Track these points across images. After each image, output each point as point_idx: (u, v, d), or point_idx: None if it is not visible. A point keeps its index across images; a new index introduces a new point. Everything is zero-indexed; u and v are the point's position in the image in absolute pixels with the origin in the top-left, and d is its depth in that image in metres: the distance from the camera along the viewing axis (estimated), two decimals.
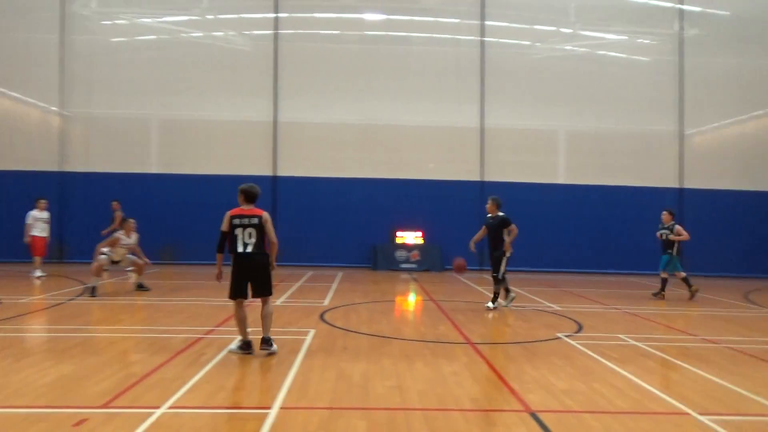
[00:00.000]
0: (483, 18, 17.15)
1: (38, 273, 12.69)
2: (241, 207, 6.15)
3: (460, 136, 17.07)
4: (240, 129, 16.91)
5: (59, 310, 8.65)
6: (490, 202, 9.68)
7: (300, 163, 16.94)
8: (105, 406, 4.32)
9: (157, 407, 4.28)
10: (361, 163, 17.02)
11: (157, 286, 11.22)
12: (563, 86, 17.28)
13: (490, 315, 9.02)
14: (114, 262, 10.54)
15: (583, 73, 17.38)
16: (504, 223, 9.41)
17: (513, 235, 9.36)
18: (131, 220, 10.75)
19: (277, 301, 9.85)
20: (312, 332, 7.17)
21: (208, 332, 7.07)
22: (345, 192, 16.81)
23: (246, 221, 6.00)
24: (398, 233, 16.47)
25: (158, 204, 16.10)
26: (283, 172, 16.92)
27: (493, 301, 9.44)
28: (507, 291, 9.69)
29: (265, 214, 6.13)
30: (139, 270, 10.76)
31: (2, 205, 14.20)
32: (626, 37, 17.85)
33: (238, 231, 5.96)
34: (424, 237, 16.64)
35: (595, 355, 6.30)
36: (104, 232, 13.99)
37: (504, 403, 4.63)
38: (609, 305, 10.40)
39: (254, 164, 16.77)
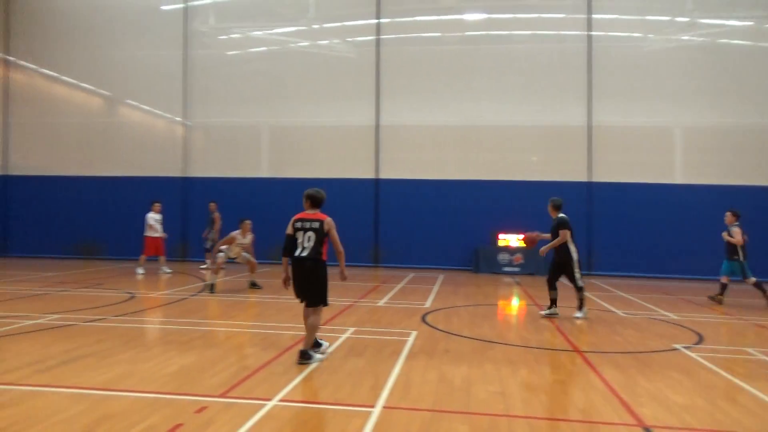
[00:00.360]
0: (590, 11, 16.39)
1: (141, 271, 13.88)
2: (306, 211, 6.07)
3: (565, 135, 16.43)
4: (343, 133, 17.44)
5: (182, 305, 9.39)
6: (549, 204, 9.19)
7: (401, 165, 17.15)
8: (222, 395, 4.63)
9: (269, 399, 4.52)
10: (463, 164, 16.90)
11: (268, 285, 11.83)
12: (679, 80, 16.07)
13: (595, 324, 8.60)
14: (230, 260, 11.26)
15: (702, 64, 16.06)
16: (558, 226, 8.83)
17: (558, 240, 8.70)
18: (248, 221, 11.36)
19: (379, 302, 10.04)
20: (414, 334, 7.23)
21: None
22: (446, 194, 16.78)
23: (308, 225, 5.91)
24: (501, 236, 16.15)
25: (268, 206, 16.96)
26: (384, 174, 17.21)
27: (579, 308, 8.87)
28: (553, 301, 8.94)
29: (329, 220, 6.00)
30: (252, 268, 11.40)
31: (135, 207, 15.66)
32: (752, 23, 16.26)
33: (299, 234, 5.88)
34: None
35: (718, 369, 5.81)
36: (205, 234, 15.10)
37: (614, 416, 4.41)
38: (734, 315, 9.54)
39: (357, 167, 17.24)
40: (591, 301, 10.85)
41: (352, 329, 7.45)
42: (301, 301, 5.91)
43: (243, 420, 4.08)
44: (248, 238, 11.32)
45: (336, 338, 6.85)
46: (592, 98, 16.29)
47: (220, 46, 18.44)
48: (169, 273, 13.89)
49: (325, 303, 5.94)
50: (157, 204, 14.25)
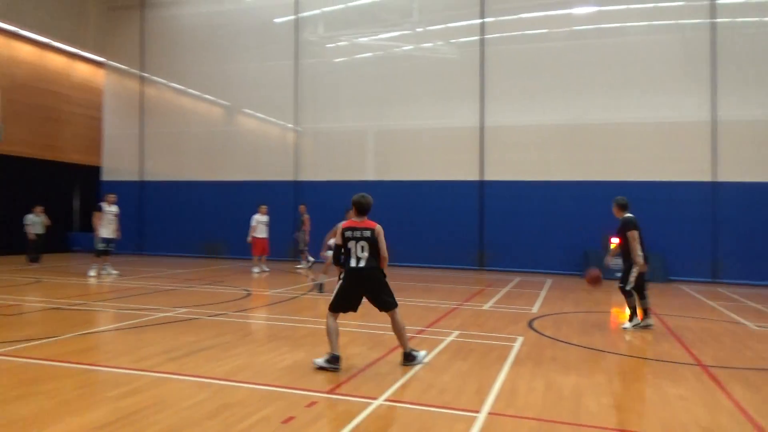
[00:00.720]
0: None
1: (257, 270, 14.75)
2: (353, 219, 5.94)
3: (686, 131, 15.22)
4: (447, 135, 17.40)
5: (294, 303, 9.87)
6: (613, 204, 8.45)
7: (506, 167, 16.80)
8: (331, 392, 4.82)
9: (375, 398, 4.64)
10: (571, 164, 16.22)
11: None
12: None
13: (722, 336, 7.89)
14: None
15: None
16: (624, 227, 8.10)
17: (632, 243, 7.92)
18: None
19: (484, 305, 9.92)
20: (520, 340, 7.08)
21: (419, 332, 7.42)
22: (554, 195, 16.19)
23: (358, 234, 5.75)
24: (613, 239, 15.28)
25: (374, 209, 17.36)
26: (489, 176, 16.95)
27: (630, 319, 8.12)
28: (645, 312, 8.11)
29: (378, 227, 5.85)
30: None
31: (252, 209, 16.66)
32: None
33: (351, 244, 5.72)
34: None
35: None
36: (295, 235, 15.96)
37: None
38: None
39: (461, 169, 17.14)
40: (715, 311, 10.00)
41: (456, 332, 7.43)
42: (338, 311, 5.71)
43: (350, 417, 4.22)
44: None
45: (440, 341, 6.87)
46: (717, 90, 14.98)
47: (328, 54, 19.13)
48: (267, 272, 14.79)
49: (396, 304, 5.79)
50: (263, 206, 15.14)
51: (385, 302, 5.72)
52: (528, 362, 5.98)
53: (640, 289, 8.06)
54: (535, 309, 9.69)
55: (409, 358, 5.72)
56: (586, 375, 5.58)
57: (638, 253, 7.93)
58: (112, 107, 21.99)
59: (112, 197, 14.00)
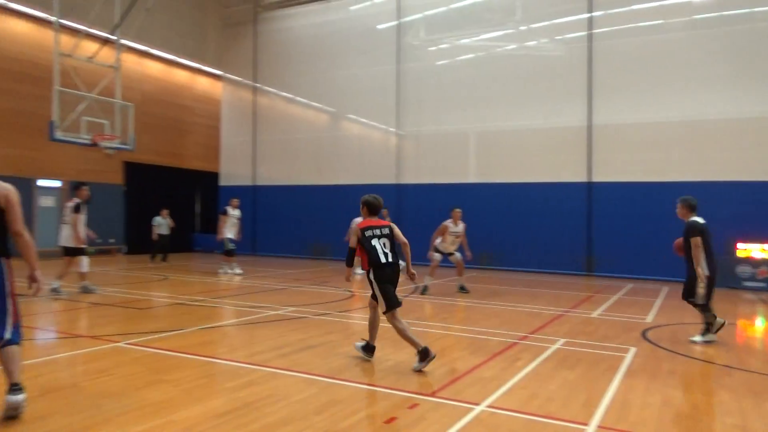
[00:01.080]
0: None
1: (360, 270, 14.98)
2: (368, 219, 6.13)
3: None
4: (552, 135, 16.81)
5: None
6: (679, 204, 7.55)
7: (617, 167, 15.92)
8: (432, 394, 4.84)
9: (477, 404, 4.60)
10: (689, 164, 15.03)
11: (476, 290, 11.98)
12: None
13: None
14: (447, 254, 11.47)
15: None
16: (687, 232, 7.21)
17: (694, 251, 7.06)
18: (458, 210, 11.40)
19: (593, 313, 9.49)
20: (632, 350, 6.69)
21: (523, 338, 7.25)
22: (670, 197, 14.94)
23: (379, 232, 5.97)
24: (740, 245, 14.01)
25: (476, 212, 17.17)
26: (598, 177, 16.16)
27: (703, 333, 7.21)
28: (709, 325, 7.27)
29: (393, 224, 6.20)
30: (460, 271, 11.60)
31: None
32: None
33: (375, 242, 5.87)
34: None
35: None
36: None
37: None
38: None
39: (567, 170, 16.49)
40: None
41: (562, 340, 7.17)
42: (395, 308, 5.80)
43: (452, 421, 4.22)
44: (460, 227, 11.37)
45: (545, 348, 6.67)
46: None
47: (429, 57, 19.22)
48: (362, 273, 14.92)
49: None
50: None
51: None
52: (642, 375, 5.64)
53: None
54: (649, 318, 9.10)
55: (425, 355, 5.53)
56: (709, 392, 5.17)
57: (701, 264, 7.09)
58: (229, 117, 23.56)
59: (235, 201, 15.00)
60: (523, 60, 17.52)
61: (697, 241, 7.11)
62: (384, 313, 5.85)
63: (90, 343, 6.62)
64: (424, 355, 5.54)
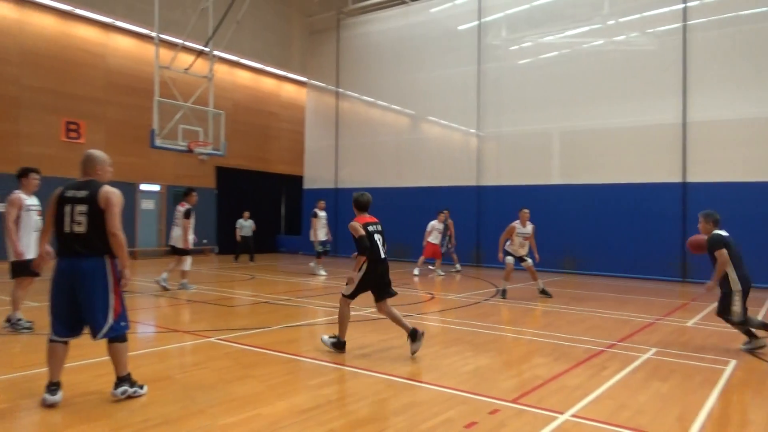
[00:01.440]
0: None
1: (417, 271, 15.20)
2: (363, 215, 6.39)
3: None
4: (643, 134, 15.94)
5: (476, 309, 9.90)
6: (701, 219, 7.14)
7: (714, 166, 14.83)
8: (514, 401, 4.75)
9: (560, 413, 4.46)
10: None
11: (559, 295, 11.60)
12: None
13: None
14: (519, 259, 11.20)
15: None
16: (711, 246, 6.82)
17: (719, 266, 6.70)
18: (526, 210, 11.10)
19: (689, 321, 8.93)
20: (732, 363, 6.22)
21: (610, 346, 6.94)
22: None
23: (378, 228, 6.34)
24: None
25: (560, 214, 16.65)
26: (694, 177, 15.16)
27: (747, 342, 6.75)
28: (750, 333, 6.81)
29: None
30: (533, 275, 11.19)
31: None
32: None
33: (377, 237, 6.19)
34: None
35: None
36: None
37: None
38: None
39: (660, 170, 15.58)
40: None
41: (653, 350, 6.80)
42: (355, 298, 6.28)
43: (534, 429, 4.12)
44: (528, 228, 11.08)
45: (634, 358, 6.35)
46: None
47: (511, 56, 18.85)
48: (441, 275, 15.08)
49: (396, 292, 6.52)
50: (442, 213, 15.58)
51: (392, 290, 6.43)
52: (744, 390, 5.25)
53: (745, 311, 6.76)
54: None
55: (414, 336, 6.12)
56: None
57: (729, 277, 6.73)
58: (313, 122, 24.26)
59: (322, 203, 15.52)
60: (612, 56, 16.76)
61: (723, 253, 6.74)
62: (343, 295, 6.32)
63: (184, 338, 7.05)
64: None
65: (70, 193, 4.47)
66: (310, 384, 5.21)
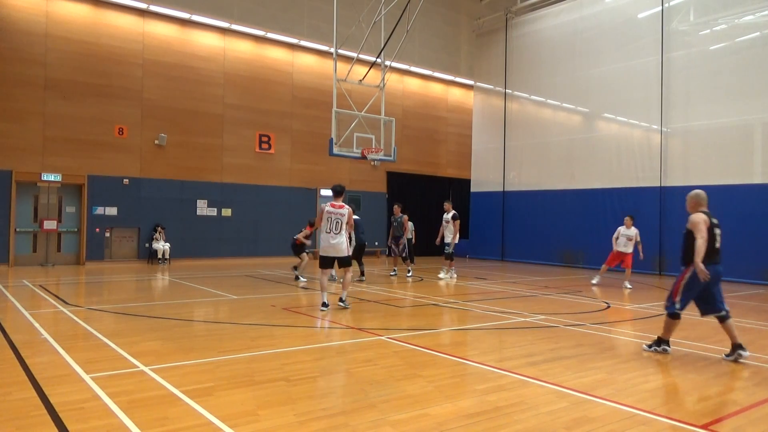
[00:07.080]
0: None
1: (595, 280, 13.77)
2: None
3: None
4: None
5: (659, 321, 9.03)
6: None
7: None
8: (705, 427, 4.28)
9: None
10: None
11: (753, 309, 10.13)
12: None
13: None
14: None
15: None
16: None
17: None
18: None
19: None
20: None
21: None
22: None
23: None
24: None
25: (764, 217, 14.54)
26: None
27: None
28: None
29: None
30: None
31: (610, 218, 16.03)
32: None
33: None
34: None
35: None
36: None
37: None
38: None
39: None
40: None
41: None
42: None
43: None
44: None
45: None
46: None
47: (701, 42, 16.93)
48: (629, 288, 13.23)
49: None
50: (628, 218, 13.62)
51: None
52: None
53: None
54: None
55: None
56: None
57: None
58: (480, 124, 24.18)
59: (448, 205, 15.49)
60: None
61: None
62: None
63: (358, 335, 7.50)
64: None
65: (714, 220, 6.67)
66: (477, 389, 5.22)
